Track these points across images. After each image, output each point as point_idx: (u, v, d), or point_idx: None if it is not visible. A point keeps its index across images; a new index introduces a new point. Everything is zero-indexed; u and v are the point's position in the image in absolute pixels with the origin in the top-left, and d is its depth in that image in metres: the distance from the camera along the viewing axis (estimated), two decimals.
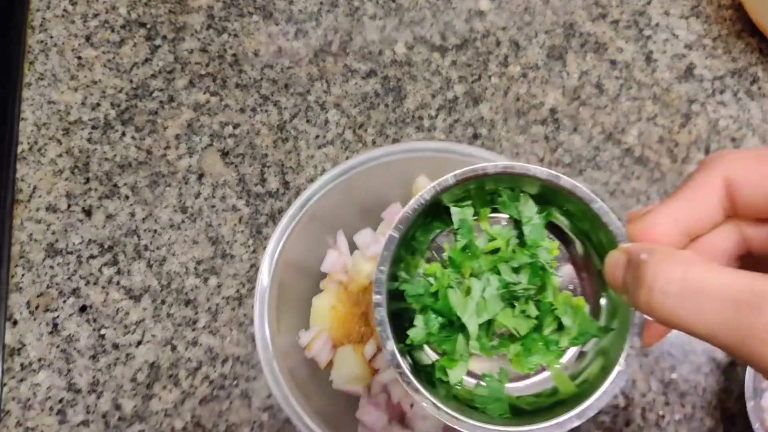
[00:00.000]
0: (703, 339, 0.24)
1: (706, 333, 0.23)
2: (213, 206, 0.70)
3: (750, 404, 0.61)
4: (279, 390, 0.51)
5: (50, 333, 0.65)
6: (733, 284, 0.23)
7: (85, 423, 0.62)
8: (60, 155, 0.72)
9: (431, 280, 0.42)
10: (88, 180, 0.71)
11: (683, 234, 0.28)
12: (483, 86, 0.75)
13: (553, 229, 0.45)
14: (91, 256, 0.68)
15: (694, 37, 0.77)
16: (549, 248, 0.42)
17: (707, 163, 0.27)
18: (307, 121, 0.73)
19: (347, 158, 0.71)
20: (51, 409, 0.62)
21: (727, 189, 0.27)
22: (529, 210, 0.43)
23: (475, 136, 0.73)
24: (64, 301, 0.66)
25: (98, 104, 0.73)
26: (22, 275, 0.67)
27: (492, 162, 0.41)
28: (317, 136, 0.73)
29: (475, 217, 0.44)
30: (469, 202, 0.44)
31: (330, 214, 0.57)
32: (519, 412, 0.41)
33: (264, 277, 0.53)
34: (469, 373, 0.42)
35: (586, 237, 0.43)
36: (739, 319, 0.22)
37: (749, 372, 0.62)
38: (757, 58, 0.76)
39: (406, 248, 0.43)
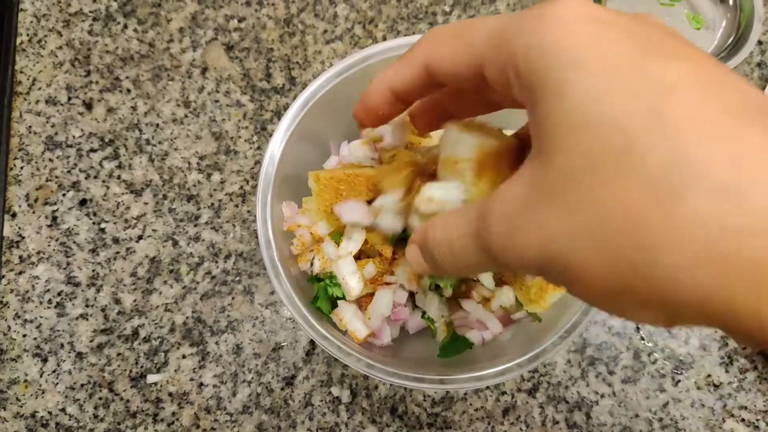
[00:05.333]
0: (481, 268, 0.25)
1: (477, 263, 0.24)
2: (217, 101, 0.60)
3: None
4: (281, 287, 0.42)
5: (49, 226, 0.56)
6: (471, 220, 0.24)
7: (84, 316, 0.53)
8: (60, 47, 0.61)
9: None
10: (88, 73, 0.61)
11: (397, 98, 0.30)
12: None
13: None
14: (92, 150, 0.58)
15: None
16: None
17: (416, 42, 0.28)
18: (315, 15, 0.62)
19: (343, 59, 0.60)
20: (50, 302, 0.54)
21: (426, 65, 0.27)
22: None
23: None
24: (64, 195, 0.57)
25: None
26: (21, 168, 0.58)
27: None
28: (325, 31, 0.62)
29: None
30: None
31: (337, 111, 0.47)
32: None
33: (267, 171, 0.43)
34: None
35: None
36: (478, 231, 0.23)
37: None
38: None
39: None
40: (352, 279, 0.41)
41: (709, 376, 0.52)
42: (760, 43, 0.62)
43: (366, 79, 0.46)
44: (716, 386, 0.52)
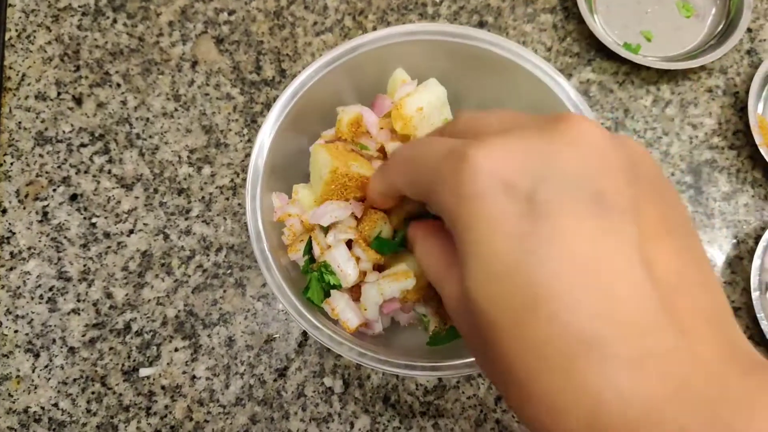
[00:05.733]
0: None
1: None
2: (207, 94, 0.59)
3: (755, 295, 0.52)
4: (272, 278, 0.41)
5: (40, 221, 0.56)
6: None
7: (75, 311, 0.53)
8: (49, 42, 0.61)
9: None
10: (78, 68, 0.60)
11: (390, 199, 0.36)
12: None
13: None
14: (82, 145, 0.58)
15: None
16: None
17: (387, 165, 0.33)
18: (305, 7, 0.62)
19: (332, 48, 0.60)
20: (41, 297, 0.54)
21: (392, 185, 0.32)
22: None
23: (481, 24, 0.61)
24: (54, 190, 0.56)
25: None
26: (11, 163, 0.57)
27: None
28: (315, 23, 0.61)
29: None
30: None
31: (326, 101, 0.47)
32: None
33: (256, 162, 0.43)
34: None
35: None
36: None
37: (755, 265, 0.53)
38: None
39: None
40: (347, 266, 0.41)
41: None
42: (749, 30, 0.61)
43: (355, 69, 0.45)
44: None
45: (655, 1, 0.62)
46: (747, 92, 0.57)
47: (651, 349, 0.19)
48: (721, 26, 0.60)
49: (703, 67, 0.60)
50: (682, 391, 0.19)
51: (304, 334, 0.53)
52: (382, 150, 0.45)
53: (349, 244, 0.42)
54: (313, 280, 0.42)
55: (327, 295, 0.42)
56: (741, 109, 0.59)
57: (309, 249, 0.43)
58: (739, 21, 0.58)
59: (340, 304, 0.42)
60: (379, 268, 0.43)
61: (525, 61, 0.44)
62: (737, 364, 0.20)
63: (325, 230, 0.42)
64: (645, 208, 0.22)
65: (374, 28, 0.61)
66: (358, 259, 0.42)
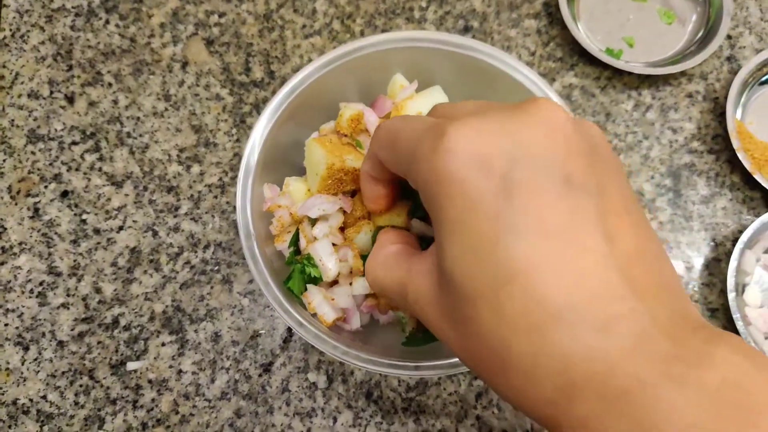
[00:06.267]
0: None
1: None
2: (197, 95, 0.60)
3: (731, 297, 0.53)
4: (260, 275, 0.42)
5: (31, 217, 0.56)
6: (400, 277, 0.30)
7: (65, 305, 0.54)
8: (43, 42, 0.62)
9: None
10: (71, 67, 0.61)
11: (378, 181, 0.35)
12: None
13: None
14: (73, 143, 0.59)
15: None
16: None
17: (372, 140, 0.32)
18: (294, 10, 0.63)
19: (334, 48, 0.61)
20: (31, 291, 0.54)
21: (378, 160, 0.32)
22: None
23: (467, 29, 0.62)
24: (46, 187, 0.57)
25: None
26: (3, 160, 0.58)
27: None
28: (304, 26, 0.62)
29: None
30: None
31: (317, 105, 0.48)
32: None
33: (247, 161, 0.44)
34: None
35: None
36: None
37: (731, 267, 0.54)
38: None
39: None
40: (329, 260, 0.42)
41: None
42: (729, 37, 0.62)
43: (359, 69, 0.47)
44: None
45: (637, 8, 0.63)
46: (726, 98, 0.58)
47: (615, 314, 0.21)
48: (701, 33, 0.61)
49: (683, 73, 0.61)
50: (642, 347, 0.21)
51: (289, 330, 0.53)
52: None
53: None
54: (295, 271, 0.43)
55: (306, 288, 0.43)
56: (720, 114, 0.60)
57: (295, 241, 0.44)
58: (718, 28, 0.59)
59: (316, 298, 0.43)
60: None
61: (509, 67, 0.45)
62: (688, 325, 0.22)
63: (313, 223, 0.43)
64: (606, 187, 0.24)
65: (362, 32, 0.62)
66: (342, 253, 0.43)
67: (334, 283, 0.44)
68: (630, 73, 0.61)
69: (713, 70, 0.62)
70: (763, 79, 0.59)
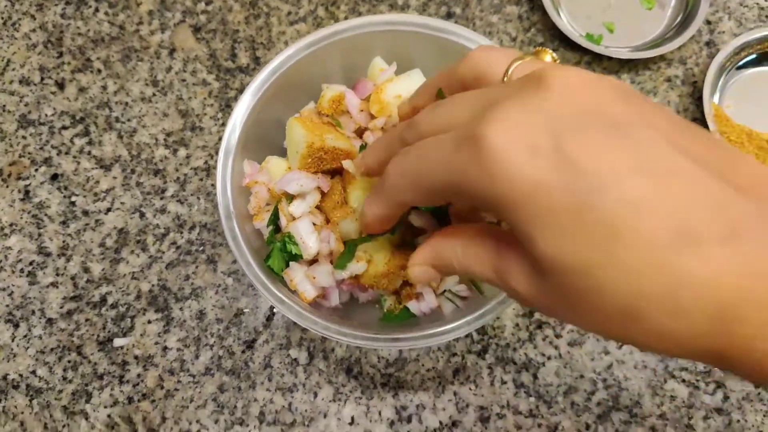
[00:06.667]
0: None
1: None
2: (184, 80, 0.61)
3: None
4: (240, 255, 0.43)
5: (22, 200, 0.57)
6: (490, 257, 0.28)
7: (54, 284, 0.55)
8: (33, 30, 0.63)
9: None
10: (61, 54, 0.62)
11: (389, 221, 0.34)
12: None
13: None
14: (63, 127, 0.60)
15: None
16: None
17: (385, 188, 0.31)
18: None
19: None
20: (21, 271, 0.55)
21: (399, 205, 0.31)
22: None
23: (449, 15, 0.63)
24: (36, 170, 0.58)
25: None
26: None
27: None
28: (289, 13, 0.63)
29: None
30: None
31: (299, 86, 0.49)
32: None
33: (228, 140, 0.45)
34: None
35: None
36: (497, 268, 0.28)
37: None
38: None
39: None
40: (309, 238, 0.43)
41: None
42: (708, 22, 0.63)
43: (329, 55, 0.47)
44: None
45: None
46: (704, 82, 0.59)
47: (735, 219, 0.21)
48: (679, 17, 0.62)
49: (663, 58, 0.62)
50: None
51: (272, 308, 0.54)
52: (360, 132, 0.47)
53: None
54: (275, 250, 0.44)
55: (288, 265, 0.44)
56: (698, 98, 0.60)
57: (274, 220, 0.45)
58: (696, 12, 0.60)
59: (298, 275, 0.44)
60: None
61: (467, 40, 0.46)
62: None
63: (290, 201, 0.44)
64: (652, 116, 0.24)
65: (346, 18, 0.63)
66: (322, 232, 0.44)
67: (314, 261, 0.45)
68: (610, 58, 0.61)
69: (692, 55, 0.62)
70: (740, 63, 0.60)
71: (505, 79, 0.29)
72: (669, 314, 0.21)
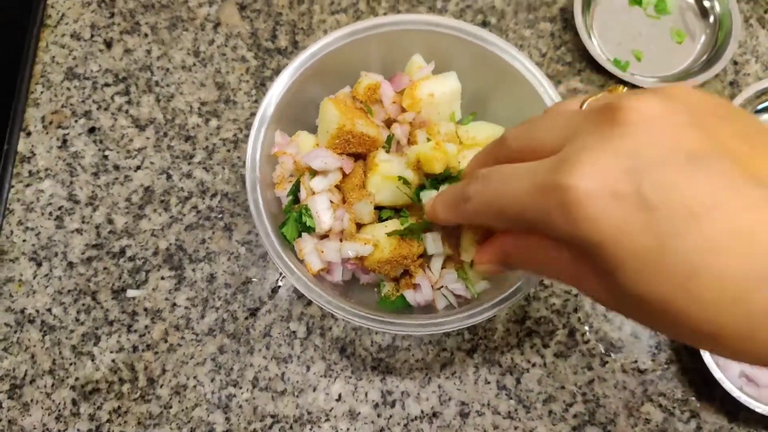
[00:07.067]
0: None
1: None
2: (224, 54, 0.64)
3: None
4: (261, 224, 0.45)
5: (59, 147, 0.61)
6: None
7: (79, 231, 0.58)
8: None
9: None
10: (113, 15, 0.65)
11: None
12: None
13: None
14: (106, 84, 0.63)
15: None
16: None
17: (470, 208, 0.33)
18: None
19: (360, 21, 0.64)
20: (50, 214, 0.59)
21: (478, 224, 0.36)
22: None
23: (484, 24, 0.65)
24: (76, 121, 0.61)
25: None
26: (41, 92, 0.62)
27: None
28: (332, 2, 0.65)
29: None
30: None
31: (338, 71, 0.51)
32: None
33: (264, 110, 0.47)
34: None
35: None
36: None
37: None
38: None
39: None
40: (325, 214, 0.45)
41: (635, 361, 0.56)
42: (735, 63, 0.64)
43: (370, 46, 0.50)
44: (641, 371, 0.55)
45: (650, 24, 0.65)
46: None
47: None
48: (707, 54, 0.63)
49: None
50: None
51: (278, 280, 0.57)
52: (389, 122, 0.49)
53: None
54: (291, 219, 0.46)
55: (300, 235, 0.47)
56: None
57: (295, 191, 0.47)
58: (723, 52, 0.61)
59: (307, 246, 0.46)
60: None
61: (520, 64, 0.48)
62: None
63: (312, 176, 0.47)
64: (727, 138, 0.24)
65: (385, 14, 0.65)
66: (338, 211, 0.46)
67: (325, 236, 0.47)
68: (634, 85, 0.62)
69: (714, 92, 0.63)
70: (760, 107, 0.61)
71: (584, 106, 0.30)
72: (744, 340, 0.23)
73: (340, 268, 0.47)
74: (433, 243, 0.44)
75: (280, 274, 0.56)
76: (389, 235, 0.44)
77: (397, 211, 0.47)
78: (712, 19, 0.64)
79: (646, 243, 0.23)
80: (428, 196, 0.43)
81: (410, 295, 0.46)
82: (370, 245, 0.44)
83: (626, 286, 0.25)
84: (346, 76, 0.52)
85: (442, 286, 0.46)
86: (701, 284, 0.23)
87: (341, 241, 0.46)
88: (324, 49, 0.49)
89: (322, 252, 0.45)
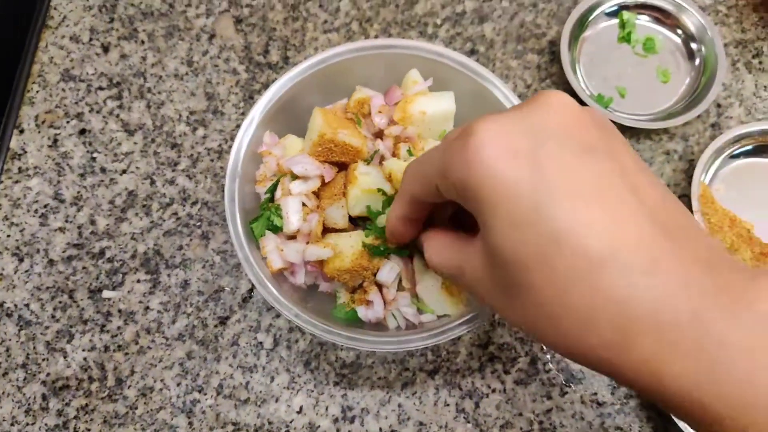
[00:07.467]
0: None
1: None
2: (216, 66, 0.65)
3: None
4: (236, 237, 0.46)
5: (50, 146, 0.62)
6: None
7: (61, 229, 0.59)
8: None
9: None
10: (112, 20, 0.67)
11: (407, 221, 0.38)
12: (492, 7, 0.67)
13: None
14: (100, 88, 0.64)
15: (710, 1, 0.68)
16: None
17: (402, 182, 0.36)
18: (320, 5, 0.67)
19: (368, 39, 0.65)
20: (36, 211, 0.60)
21: (411, 197, 0.35)
22: None
23: (473, 52, 0.66)
24: (68, 122, 0.63)
25: None
26: (37, 91, 0.64)
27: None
28: (325, 21, 0.66)
29: None
30: None
31: (339, 83, 0.52)
32: None
33: (256, 110, 0.49)
34: None
35: None
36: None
37: None
38: (767, 34, 0.66)
39: None
40: (294, 215, 0.46)
41: (595, 393, 0.56)
42: (719, 105, 0.64)
43: (370, 63, 0.51)
44: (599, 404, 0.56)
45: (637, 62, 0.65)
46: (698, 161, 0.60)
47: (657, 256, 0.24)
48: (690, 95, 0.63)
49: (666, 131, 0.63)
50: (688, 283, 0.23)
51: (250, 291, 0.58)
52: (378, 134, 0.50)
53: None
54: (263, 217, 0.47)
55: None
56: (691, 176, 0.62)
57: (273, 189, 0.48)
58: (706, 94, 0.61)
59: (270, 244, 0.47)
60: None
61: (503, 96, 0.49)
62: (726, 263, 0.25)
63: (293, 179, 0.48)
64: (620, 152, 0.27)
65: (376, 37, 0.65)
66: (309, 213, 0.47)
67: (292, 237, 0.48)
68: (615, 123, 0.63)
69: (695, 134, 0.64)
70: (738, 151, 0.61)
71: None
72: (583, 325, 0.24)
73: (303, 271, 0.48)
74: (388, 271, 0.45)
75: (253, 286, 0.57)
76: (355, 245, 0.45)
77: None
78: (698, 61, 0.64)
79: (524, 202, 0.25)
80: (384, 220, 0.44)
81: (362, 311, 0.47)
82: (329, 249, 0.45)
83: (497, 244, 0.27)
84: (347, 89, 0.53)
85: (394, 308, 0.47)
86: (559, 256, 0.24)
87: (308, 243, 0.47)
88: (327, 60, 0.50)
89: (282, 251, 0.46)
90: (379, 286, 0.47)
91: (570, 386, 0.56)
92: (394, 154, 0.50)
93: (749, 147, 0.61)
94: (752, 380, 0.21)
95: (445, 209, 0.40)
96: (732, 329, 0.22)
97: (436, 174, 0.30)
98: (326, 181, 0.48)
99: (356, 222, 0.49)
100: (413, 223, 0.39)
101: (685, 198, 0.61)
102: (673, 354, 0.23)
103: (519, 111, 0.28)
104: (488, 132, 0.27)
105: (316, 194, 0.48)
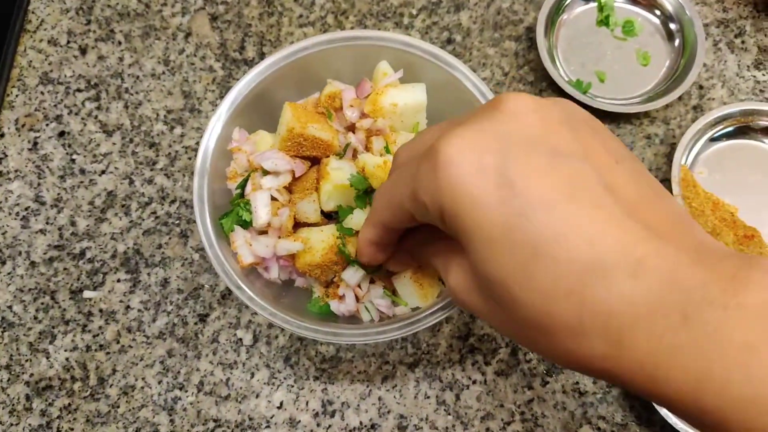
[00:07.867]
0: None
1: None
2: (193, 64, 0.64)
3: None
4: (206, 235, 0.46)
5: (30, 149, 0.62)
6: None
7: (42, 231, 0.60)
8: None
9: None
10: (89, 22, 0.66)
11: (377, 246, 0.38)
12: None
13: None
14: (78, 90, 0.64)
15: None
16: None
17: (372, 209, 0.36)
18: (295, 0, 0.66)
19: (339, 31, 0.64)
20: (17, 214, 0.60)
21: (383, 226, 0.35)
22: None
23: (449, 41, 0.65)
24: (47, 125, 0.63)
25: None
26: (16, 95, 0.64)
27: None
28: (301, 16, 0.66)
29: None
30: None
31: (311, 76, 0.51)
32: None
33: (224, 106, 0.48)
34: None
35: None
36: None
37: None
38: (749, 12, 0.65)
39: None
40: (262, 210, 0.46)
41: (577, 383, 0.55)
42: (701, 87, 0.63)
43: (341, 56, 0.50)
44: (581, 394, 0.55)
45: (616, 45, 0.64)
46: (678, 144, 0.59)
47: (641, 256, 0.23)
48: (670, 78, 0.62)
49: (647, 114, 0.62)
50: (677, 280, 0.22)
51: (228, 289, 0.58)
52: (351, 128, 0.50)
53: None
54: (233, 212, 0.47)
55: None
56: (672, 159, 0.60)
57: (243, 185, 0.48)
58: (686, 76, 0.60)
59: (239, 239, 0.47)
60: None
61: (475, 88, 0.48)
62: (715, 253, 0.23)
63: (264, 175, 0.47)
64: (593, 147, 0.26)
65: (352, 29, 0.65)
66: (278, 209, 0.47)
67: (264, 232, 0.48)
68: (593, 108, 0.62)
69: (677, 116, 0.62)
70: (720, 132, 0.60)
71: None
72: (573, 336, 0.23)
73: (276, 266, 0.48)
74: (353, 273, 0.44)
75: None
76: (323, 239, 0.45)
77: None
78: (677, 42, 0.63)
79: (497, 219, 0.24)
80: (352, 221, 0.43)
81: (335, 305, 0.46)
82: (299, 242, 0.45)
83: (477, 265, 0.26)
84: (318, 83, 0.52)
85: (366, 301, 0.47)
86: (540, 268, 0.23)
87: (279, 238, 0.47)
88: (295, 54, 0.49)
89: (251, 245, 0.46)
90: None
91: (551, 376, 0.55)
92: (366, 148, 0.49)
93: (731, 128, 0.59)
94: (750, 378, 0.20)
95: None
96: (724, 325, 0.21)
97: (407, 198, 0.29)
98: (297, 176, 0.47)
99: (330, 216, 0.48)
100: (383, 247, 0.38)
101: (666, 182, 0.60)
102: (669, 357, 0.22)
103: (482, 119, 0.27)
104: (453, 148, 0.26)
105: (288, 189, 0.48)
